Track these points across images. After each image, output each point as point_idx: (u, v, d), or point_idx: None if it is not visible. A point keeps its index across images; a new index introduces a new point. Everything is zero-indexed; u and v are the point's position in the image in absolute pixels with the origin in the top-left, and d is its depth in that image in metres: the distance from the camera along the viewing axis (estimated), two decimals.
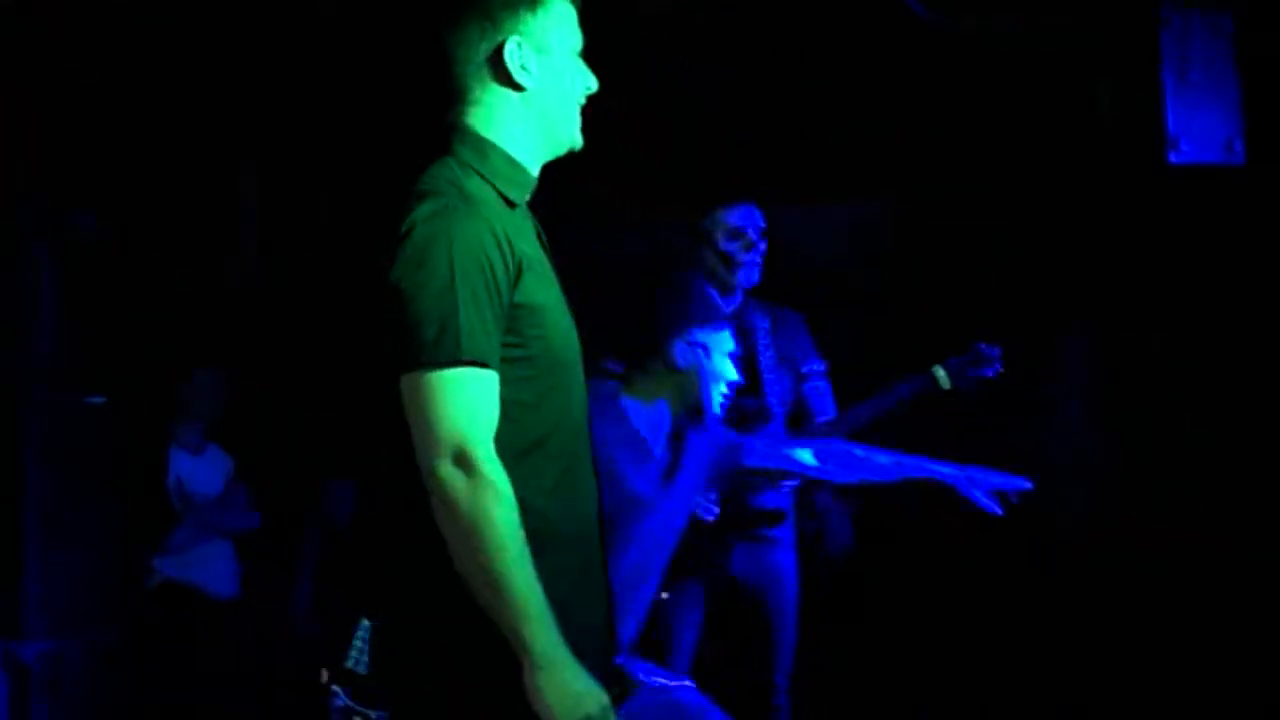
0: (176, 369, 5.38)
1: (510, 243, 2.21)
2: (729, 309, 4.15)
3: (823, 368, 4.36)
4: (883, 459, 3.37)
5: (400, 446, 2.17)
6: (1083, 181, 5.46)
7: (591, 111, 2.44)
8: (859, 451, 3.45)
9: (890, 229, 5.93)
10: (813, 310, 4.48)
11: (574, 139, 2.41)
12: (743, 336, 4.07)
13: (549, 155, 2.39)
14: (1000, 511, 3.22)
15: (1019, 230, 5.61)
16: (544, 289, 2.28)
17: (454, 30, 2.33)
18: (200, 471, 5.27)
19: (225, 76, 5.67)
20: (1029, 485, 3.24)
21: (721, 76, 5.62)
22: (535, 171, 2.38)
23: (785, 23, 5.24)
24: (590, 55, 2.44)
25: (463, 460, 2.09)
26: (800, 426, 4.27)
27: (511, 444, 2.18)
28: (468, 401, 2.12)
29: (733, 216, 4.14)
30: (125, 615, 4.93)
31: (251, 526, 5.29)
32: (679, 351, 3.36)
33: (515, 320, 2.20)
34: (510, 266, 2.19)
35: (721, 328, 3.44)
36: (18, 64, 5.27)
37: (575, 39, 2.39)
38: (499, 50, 2.31)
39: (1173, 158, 4.68)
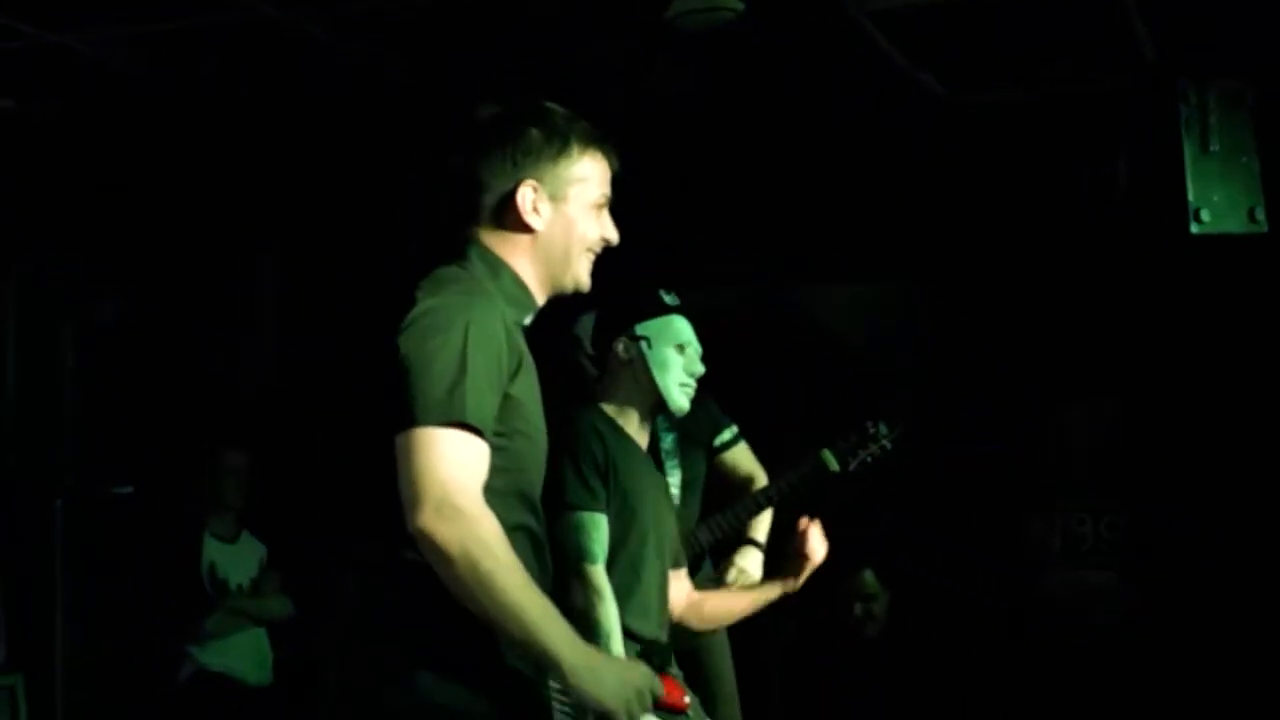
0: (197, 456, 5.33)
1: (513, 338, 2.32)
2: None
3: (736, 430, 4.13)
4: None
5: (387, 515, 2.16)
6: (1104, 254, 5.48)
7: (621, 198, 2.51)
8: None
9: (909, 305, 5.93)
10: (835, 388, 4.38)
11: (578, 282, 2.49)
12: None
13: (551, 292, 2.48)
14: None
15: (1039, 304, 5.62)
16: (531, 390, 2.36)
17: (481, 158, 2.44)
18: (234, 559, 5.22)
19: (246, 167, 5.70)
20: None
21: (737, 157, 5.65)
22: (540, 300, 2.47)
23: (801, 101, 5.27)
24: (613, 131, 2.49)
25: (445, 507, 2.10)
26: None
27: None
28: (458, 459, 2.15)
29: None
30: (158, 706, 4.85)
31: (285, 614, 5.24)
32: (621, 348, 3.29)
33: (504, 410, 2.27)
34: (512, 358, 2.29)
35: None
36: (43, 155, 5.30)
37: (595, 193, 2.47)
38: (515, 190, 2.41)
39: (1194, 229, 4.69)
